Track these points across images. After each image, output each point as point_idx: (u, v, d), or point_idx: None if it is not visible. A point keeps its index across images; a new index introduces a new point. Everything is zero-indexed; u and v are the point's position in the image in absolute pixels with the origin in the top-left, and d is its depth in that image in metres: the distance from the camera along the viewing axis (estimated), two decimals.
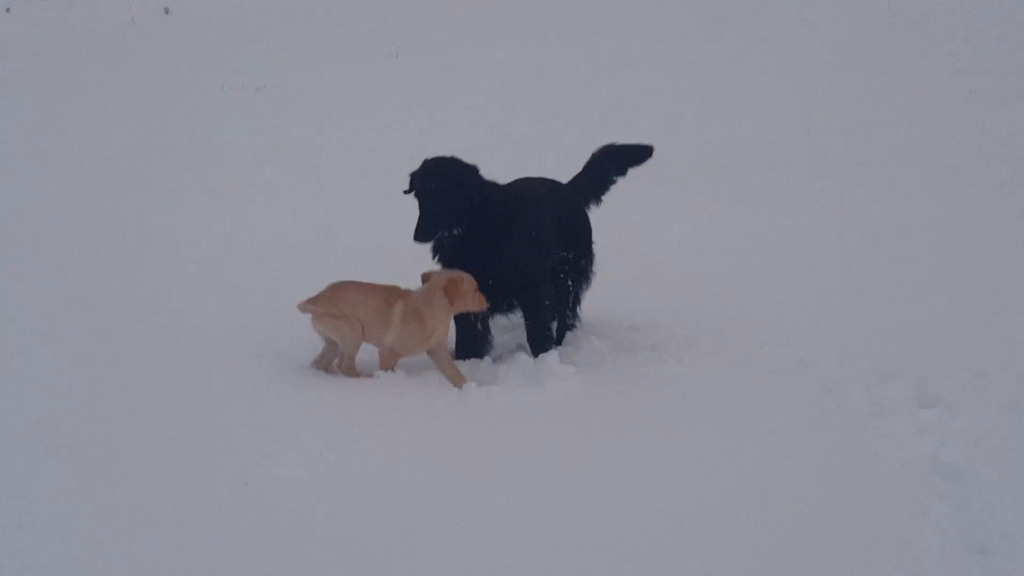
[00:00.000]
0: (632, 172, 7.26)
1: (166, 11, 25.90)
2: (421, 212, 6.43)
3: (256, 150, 12.36)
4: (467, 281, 6.26)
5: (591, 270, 7.08)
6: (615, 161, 7.20)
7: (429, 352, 6.33)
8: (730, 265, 8.21)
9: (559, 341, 6.92)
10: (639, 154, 7.24)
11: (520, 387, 6.14)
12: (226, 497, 4.96)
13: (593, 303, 7.15)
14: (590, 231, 7.08)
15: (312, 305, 6.25)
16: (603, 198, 7.22)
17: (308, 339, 6.54)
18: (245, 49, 19.72)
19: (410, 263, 6.91)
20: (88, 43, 20.99)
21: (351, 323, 6.21)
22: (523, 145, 11.69)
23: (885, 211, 9.44)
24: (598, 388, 6.16)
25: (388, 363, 6.30)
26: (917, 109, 13.56)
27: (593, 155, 7.24)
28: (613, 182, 7.22)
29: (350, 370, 6.28)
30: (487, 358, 6.61)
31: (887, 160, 11.17)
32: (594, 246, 7.09)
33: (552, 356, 6.36)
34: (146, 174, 11.32)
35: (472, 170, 6.47)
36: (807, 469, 5.21)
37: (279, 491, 5.02)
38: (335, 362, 6.37)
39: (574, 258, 6.93)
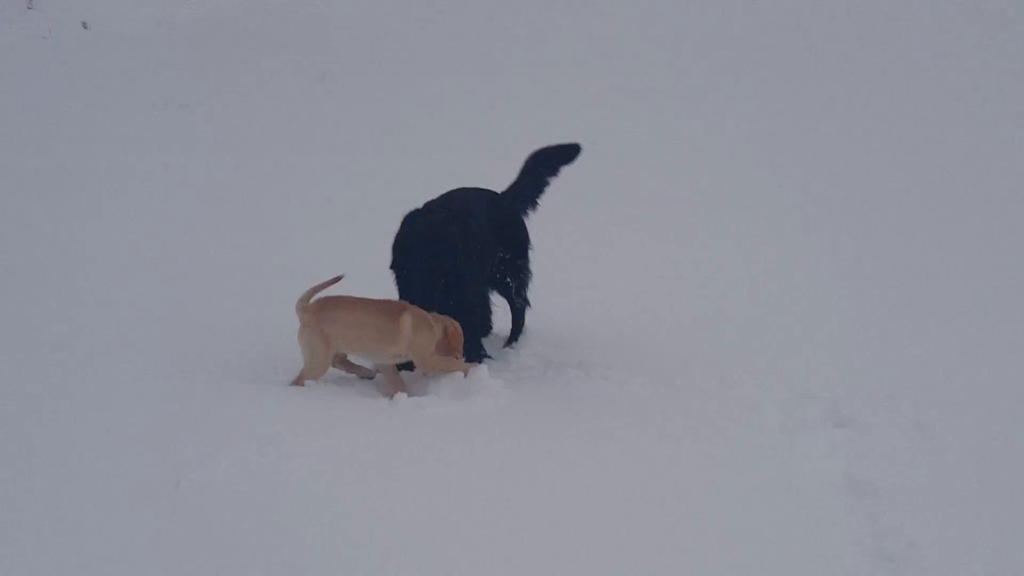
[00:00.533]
0: (567, 175, 7.50)
1: (84, 26, 25.61)
2: (417, 282, 6.53)
3: (181, 167, 12.31)
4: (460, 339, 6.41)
5: (528, 269, 7.31)
6: (546, 163, 7.43)
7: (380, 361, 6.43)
8: (654, 291, 8.41)
9: (519, 327, 7.19)
10: (567, 153, 7.47)
11: (450, 399, 6.26)
12: (157, 498, 5.03)
13: None
14: (526, 236, 7.30)
15: (302, 315, 6.23)
16: (539, 201, 7.43)
17: (241, 347, 6.60)
18: (167, 66, 19.59)
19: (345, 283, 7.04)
20: (3, 58, 20.70)
21: (327, 349, 6.24)
22: (451, 172, 11.82)
23: (799, 244, 9.71)
24: (527, 402, 6.31)
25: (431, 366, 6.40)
26: (834, 150, 13.88)
27: (525, 163, 7.46)
28: (547, 183, 7.44)
29: (302, 383, 6.32)
30: (417, 370, 6.70)
31: (804, 196, 11.45)
32: (530, 252, 7.32)
33: (482, 370, 6.50)
34: (68, 192, 11.21)
35: (449, 222, 6.60)
36: (726, 482, 5.41)
37: (210, 493, 5.10)
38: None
39: (510, 258, 7.15)
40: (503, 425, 5.97)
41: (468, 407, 6.17)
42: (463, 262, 6.57)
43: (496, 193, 7.27)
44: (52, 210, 10.49)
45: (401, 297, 6.65)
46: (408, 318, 6.24)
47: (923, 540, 4.90)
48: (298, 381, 6.32)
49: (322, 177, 11.90)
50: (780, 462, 5.64)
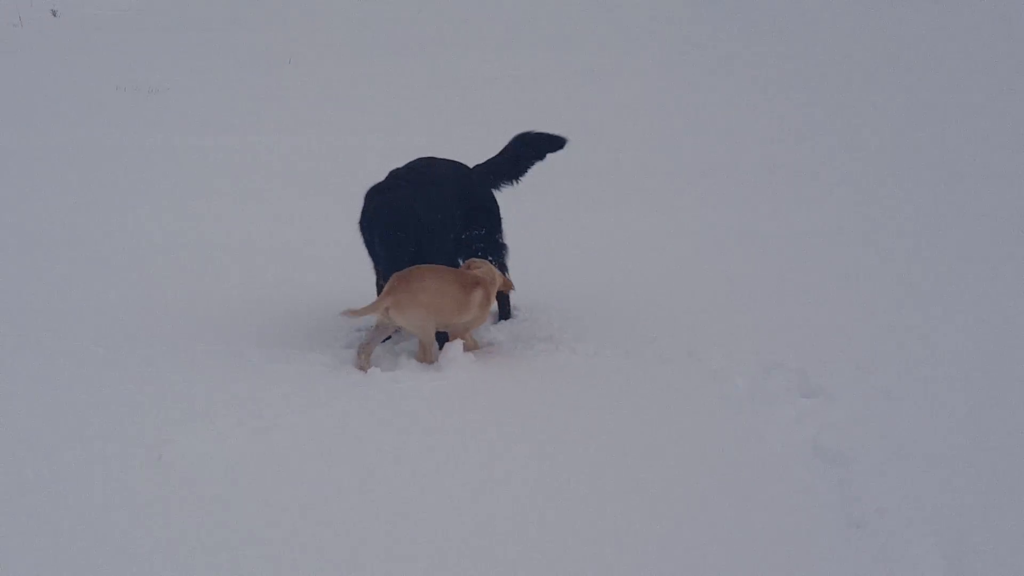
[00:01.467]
0: (548, 162, 7.57)
1: (54, 13, 25.45)
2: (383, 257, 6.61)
3: (150, 152, 12.29)
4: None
5: (504, 244, 7.32)
6: (531, 147, 7.47)
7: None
8: (622, 265, 8.45)
9: (507, 310, 7.29)
10: (553, 143, 7.53)
11: (422, 372, 6.32)
12: (141, 470, 5.07)
13: None
14: (498, 211, 7.30)
15: (390, 299, 6.26)
16: (519, 181, 7.47)
17: (217, 322, 6.59)
18: (136, 52, 19.49)
19: (304, 260, 7.00)
20: None
21: (431, 313, 6.32)
22: (420, 150, 11.80)
23: (767, 216, 9.76)
24: (497, 374, 6.35)
25: (461, 336, 6.55)
26: (787, 120, 13.89)
27: (511, 141, 7.50)
28: (531, 165, 7.48)
29: (432, 358, 6.44)
30: (388, 343, 6.76)
31: (771, 168, 11.50)
32: (502, 224, 7.33)
33: (455, 346, 6.51)
34: (36, 174, 11.19)
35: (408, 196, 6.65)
36: (696, 451, 5.45)
37: (191, 465, 5.14)
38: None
39: (486, 234, 7.14)
40: (475, 397, 6.01)
41: (440, 380, 6.21)
42: (424, 236, 6.59)
43: (465, 166, 7.27)
44: (27, 190, 10.48)
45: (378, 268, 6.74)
46: (480, 293, 6.47)
47: (891, 507, 4.93)
48: (425, 357, 6.43)
49: (291, 157, 11.91)
50: (748, 431, 5.67)
